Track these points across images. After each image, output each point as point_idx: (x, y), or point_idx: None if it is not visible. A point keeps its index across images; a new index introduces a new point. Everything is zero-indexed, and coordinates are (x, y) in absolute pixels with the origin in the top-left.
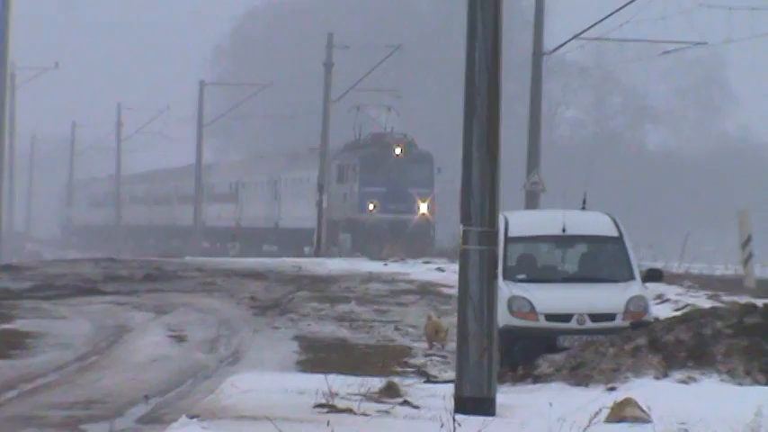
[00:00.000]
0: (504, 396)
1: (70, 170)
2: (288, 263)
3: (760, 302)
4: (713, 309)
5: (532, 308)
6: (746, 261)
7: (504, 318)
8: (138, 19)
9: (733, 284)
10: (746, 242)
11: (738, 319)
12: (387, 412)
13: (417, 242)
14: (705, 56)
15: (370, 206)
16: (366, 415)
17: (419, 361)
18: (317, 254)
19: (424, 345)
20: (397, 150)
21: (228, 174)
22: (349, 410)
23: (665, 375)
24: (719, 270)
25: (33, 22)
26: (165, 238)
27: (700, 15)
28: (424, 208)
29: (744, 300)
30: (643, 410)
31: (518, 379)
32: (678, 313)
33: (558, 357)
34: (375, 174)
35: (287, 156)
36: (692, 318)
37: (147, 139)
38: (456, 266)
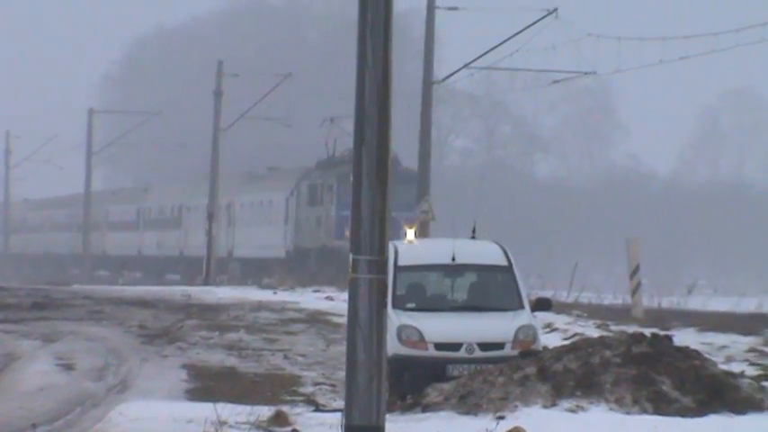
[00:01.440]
0: (394, 425)
1: None
2: (177, 291)
3: (648, 332)
4: (602, 338)
5: (422, 337)
6: (635, 290)
7: (393, 346)
8: (26, 46)
9: (621, 314)
10: (635, 271)
11: (626, 348)
12: None
13: None
14: (594, 85)
15: (348, 232)
16: None
17: (308, 390)
18: (206, 282)
19: (314, 373)
20: None
21: (170, 197)
22: None
23: (554, 404)
24: (608, 299)
25: None
26: (89, 266)
27: (589, 45)
28: (410, 234)
29: (632, 329)
30: None
31: (407, 408)
32: (567, 342)
33: (448, 386)
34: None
35: (243, 176)
36: (580, 347)
37: (37, 167)
38: (345, 295)
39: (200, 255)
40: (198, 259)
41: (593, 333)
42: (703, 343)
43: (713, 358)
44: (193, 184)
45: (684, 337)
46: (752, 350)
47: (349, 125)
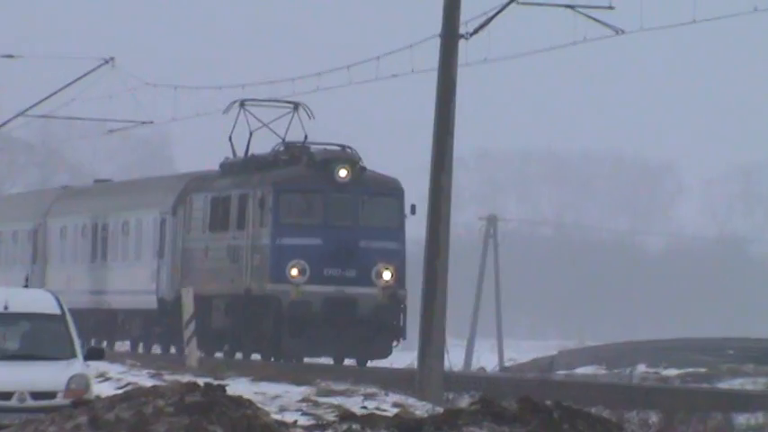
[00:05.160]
0: None
1: None
2: None
3: (202, 381)
4: (155, 387)
5: None
6: (189, 340)
7: None
8: None
9: (176, 363)
10: (188, 321)
11: (180, 397)
12: None
13: (376, 335)
14: (152, 134)
15: (293, 271)
16: None
17: None
18: None
19: None
20: (342, 173)
21: None
22: None
23: None
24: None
25: None
26: None
27: (146, 94)
28: (387, 275)
29: (186, 378)
30: None
31: None
32: (120, 391)
33: None
34: (299, 215)
35: (57, 192)
36: (133, 396)
37: None
38: None
39: None
40: None
41: (147, 382)
42: (257, 393)
43: (266, 408)
44: None
45: (238, 387)
46: (305, 400)
47: (268, 114)
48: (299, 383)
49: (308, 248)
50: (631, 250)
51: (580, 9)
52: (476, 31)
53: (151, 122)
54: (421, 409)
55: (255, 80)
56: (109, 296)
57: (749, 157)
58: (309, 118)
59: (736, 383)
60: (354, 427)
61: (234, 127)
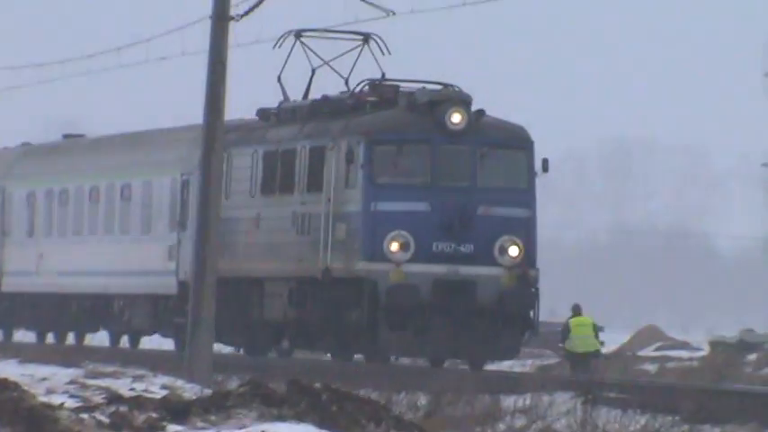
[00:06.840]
0: None
1: None
2: None
3: None
4: None
5: None
6: None
7: None
8: None
9: None
10: None
11: None
12: None
13: (500, 328)
14: None
15: (393, 245)
16: None
17: None
18: None
19: None
20: (455, 118)
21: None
22: None
23: None
24: None
25: None
26: None
27: None
28: (514, 251)
29: None
30: None
31: None
32: None
33: None
34: (400, 173)
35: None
36: None
37: None
38: None
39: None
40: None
41: None
42: (24, 374)
43: (33, 390)
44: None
45: (5, 369)
46: (73, 382)
47: (330, 49)
48: (67, 365)
49: (412, 216)
50: None
51: None
52: (246, 13)
53: None
54: (189, 391)
55: (27, 62)
56: (100, 278)
57: None
58: (383, 54)
59: (504, 366)
60: (122, 409)
61: (285, 65)
